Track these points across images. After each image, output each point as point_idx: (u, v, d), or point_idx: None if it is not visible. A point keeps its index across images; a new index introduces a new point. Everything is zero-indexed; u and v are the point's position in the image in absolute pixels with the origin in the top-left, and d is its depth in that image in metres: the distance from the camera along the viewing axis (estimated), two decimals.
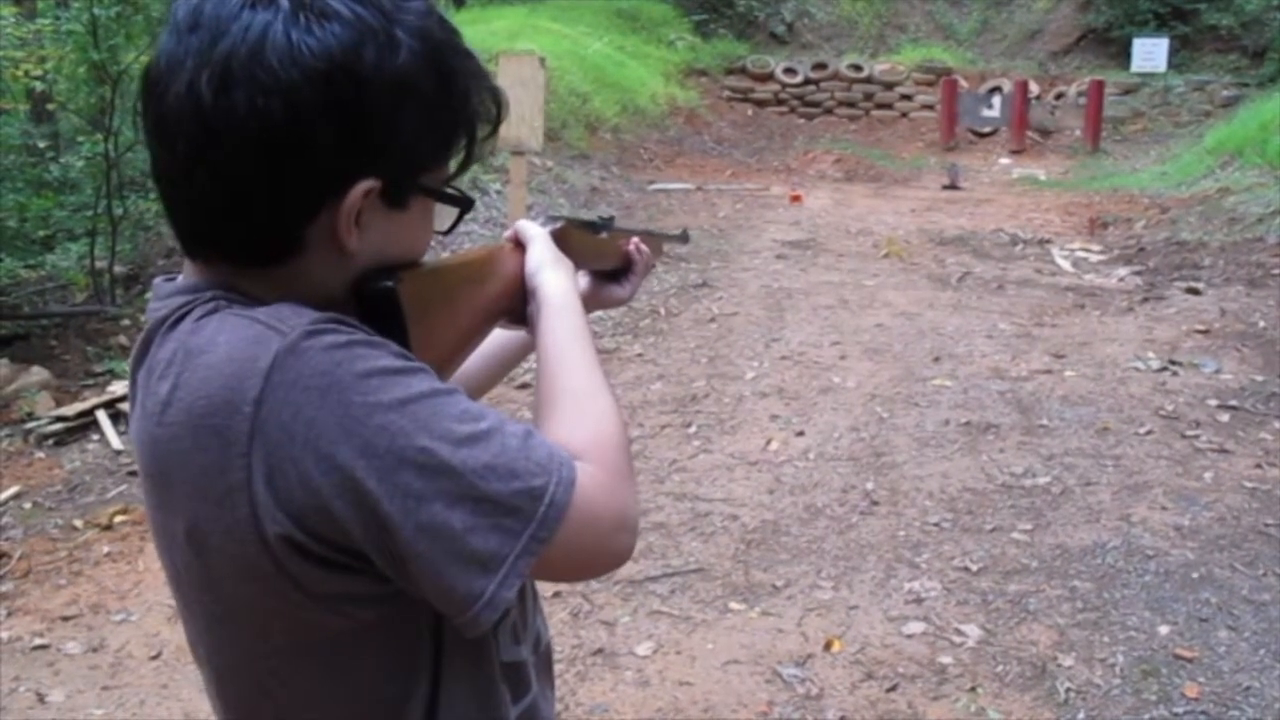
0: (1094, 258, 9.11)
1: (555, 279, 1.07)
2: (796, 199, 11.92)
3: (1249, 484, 4.36)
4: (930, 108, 16.91)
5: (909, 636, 3.37)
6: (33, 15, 7.67)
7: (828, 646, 3.32)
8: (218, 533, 0.84)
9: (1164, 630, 3.35)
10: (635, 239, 1.40)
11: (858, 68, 17.61)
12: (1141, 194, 11.71)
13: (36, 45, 7.13)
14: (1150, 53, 16.47)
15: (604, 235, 1.34)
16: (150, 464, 0.88)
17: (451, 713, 0.95)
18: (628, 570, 3.65)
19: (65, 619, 3.60)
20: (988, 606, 3.53)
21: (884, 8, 20.17)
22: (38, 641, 3.46)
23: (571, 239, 1.20)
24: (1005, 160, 15.36)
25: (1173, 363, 5.86)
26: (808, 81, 17.59)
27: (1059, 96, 16.75)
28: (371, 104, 0.85)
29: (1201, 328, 6.49)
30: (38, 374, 5.66)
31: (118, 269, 7.22)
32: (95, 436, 5.11)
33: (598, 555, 0.89)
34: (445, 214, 0.99)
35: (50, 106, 8.14)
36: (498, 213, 8.81)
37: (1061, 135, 16.15)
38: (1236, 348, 6.12)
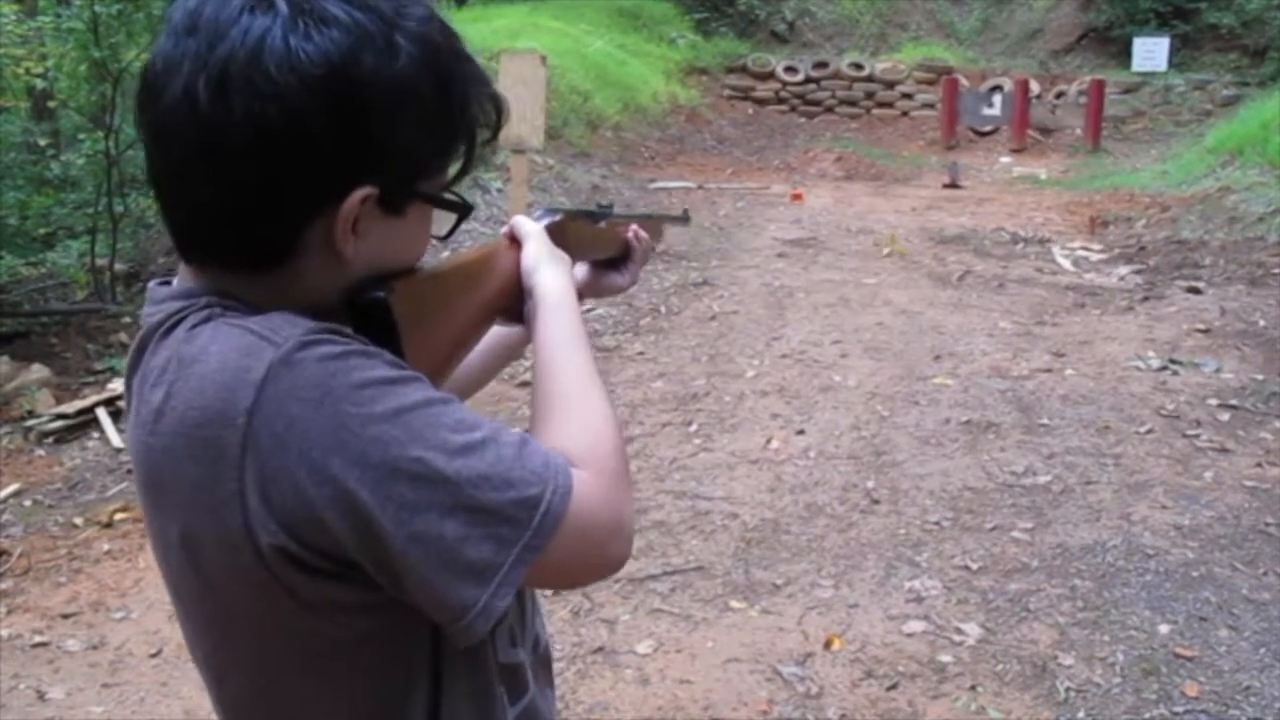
0: (1095, 256, 9.11)
1: (551, 277, 1.07)
2: (797, 197, 11.92)
3: (1249, 483, 4.36)
4: (931, 106, 16.90)
5: (909, 635, 3.37)
6: (34, 13, 7.66)
7: (828, 645, 3.32)
8: (211, 541, 0.84)
9: (1164, 629, 3.35)
10: (634, 226, 1.40)
11: (859, 66, 17.60)
12: (1142, 193, 11.71)
13: (37, 43, 7.13)
14: (1151, 52, 16.47)
15: (602, 224, 1.34)
16: (145, 472, 0.88)
17: (450, 716, 0.95)
18: (628, 569, 3.64)
19: (65, 616, 3.60)
20: (988, 605, 3.53)
21: (885, 6, 20.15)
22: (38, 639, 3.46)
23: (570, 230, 1.20)
24: (1006, 159, 15.35)
25: (1173, 362, 5.86)
26: (809, 80, 17.58)
27: (1060, 95, 16.73)
28: (370, 110, 0.84)
29: (1202, 327, 6.49)
30: (38, 371, 5.66)
31: (118, 266, 7.22)
32: (95, 434, 5.12)
33: (593, 563, 0.89)
34: (443, 218, 0.98)
35: (51, 104, 8.13)
36: (499, 210, 8.81)
37: (1062, 134, 16.13)
38: (1237, 347, 6.12)
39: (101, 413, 5.22)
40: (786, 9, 19.80)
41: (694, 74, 17.41)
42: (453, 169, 0.96)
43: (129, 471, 4.66)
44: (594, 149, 12.71)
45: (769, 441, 4.91)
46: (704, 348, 6.34)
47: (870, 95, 17.49)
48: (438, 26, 0.90)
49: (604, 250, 1.36)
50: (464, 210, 0.97)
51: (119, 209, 7.13)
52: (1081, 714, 2.97)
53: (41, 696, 3.16)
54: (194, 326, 0.86)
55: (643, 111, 14.88)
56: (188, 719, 3.05)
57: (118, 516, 4.26)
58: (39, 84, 7.44)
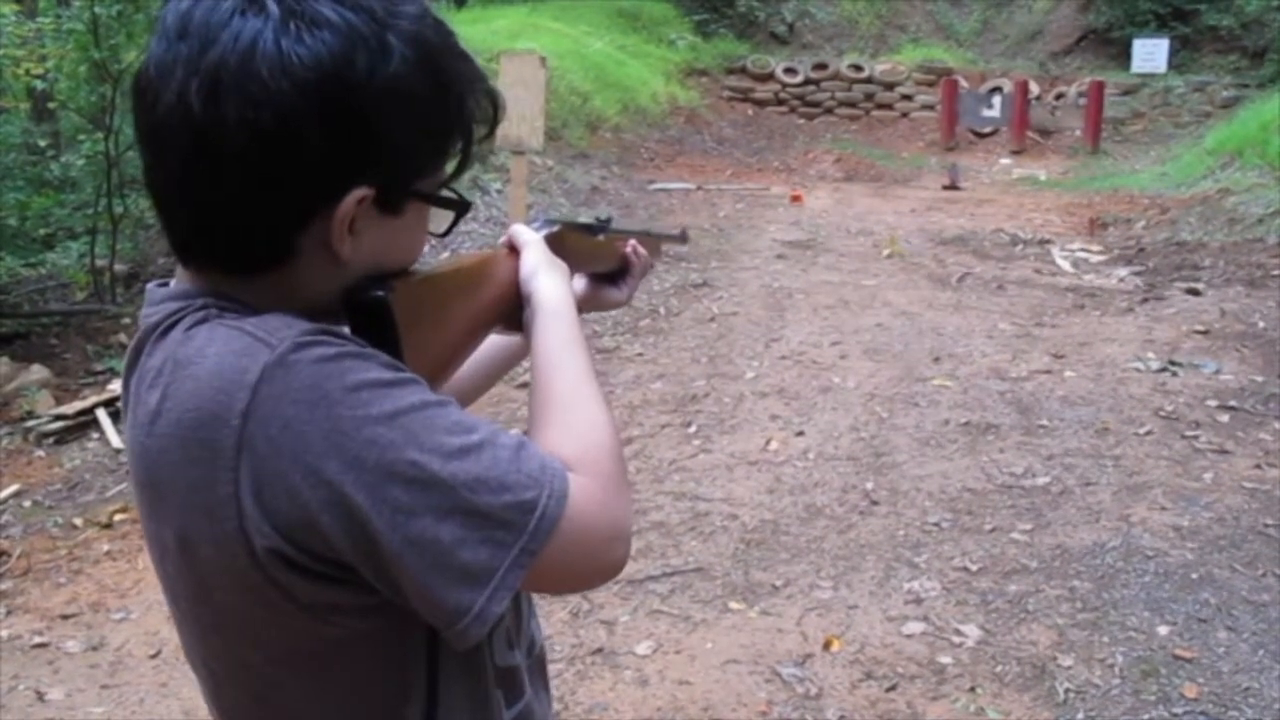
0: (1094, 258, 9.11)
1: (550, 285, 1.06)
2: (797, 199, 11.92)
3: (1248, 484, 4.36)
4: (931, 108, 16.90)
5: (908, 636, 3.37)
6: (33, 14, 7.66)
7: (827, 646, 3.32)
8: (207, 544, 0.83)
9: (1163, 630, 3.35)
10: (633, 241, 1.39)
11: (858, 68, 17.60)
12: (1142, 194, 11.71)
13: (37, 44, 7.13)
14: (1150, 53, 16.47)
15: (601, 237, 1.33)
16: (141, 474, 0.88)
17: (447, 718, 0.95)
18: (627, 569, 3.63)
19: (65, 617, 3.60)
20: (987, 606, 3.54)
21: (884, 8, 20.15)
22: (37, 640, 3.47)
23: (568, 242, 1.19)
24: (1005, 160, 15.36)
25: (1172, 363, 5.86)
26: (808, 81, 17.58)
27: (1059, 97, 16.73)
28: (364, 112, 0.84)
29: (1201, 328, 6.49)
30: (38, 372, 5.67)
31: (118, 267, 7.22)
32: (95, 435, 5.12)
33: (590, 567, 0.89)
34: (441, 216, 0.98)
35: (51, 105, 8.13)
36: (498, 212, 8.81)
37: (1062, 135, 16.13)
38: (1236, 348, 6.12)
39: (101, 414, 5.22)
40: (786, 10, 19.80)
41: (693, 75, 17.40)
42: (450, 166, 0.95)
43: (129, 472, 4.66)
44: (593, 150, 12.71)
45: (768, 443, 4.91)
46: (703, 349, 6.34)
47: (870, 97, 17.49)
48: (431, 24, 0.89)
49: (602, 264, 1.35)
50: (462, 208, 0.97)
51: (119, 210, 7.12)
52: (1081, 715, 2.97)
53: (41, 697, 3.17)
54: (190, 328, 0.86)
55: (642, 112, 14.88)
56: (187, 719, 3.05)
57: (117, 517, 4.26)
58: (39, 85, 7.44)
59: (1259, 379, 5.59)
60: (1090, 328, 6.71)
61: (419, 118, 0.88)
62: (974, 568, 3.77)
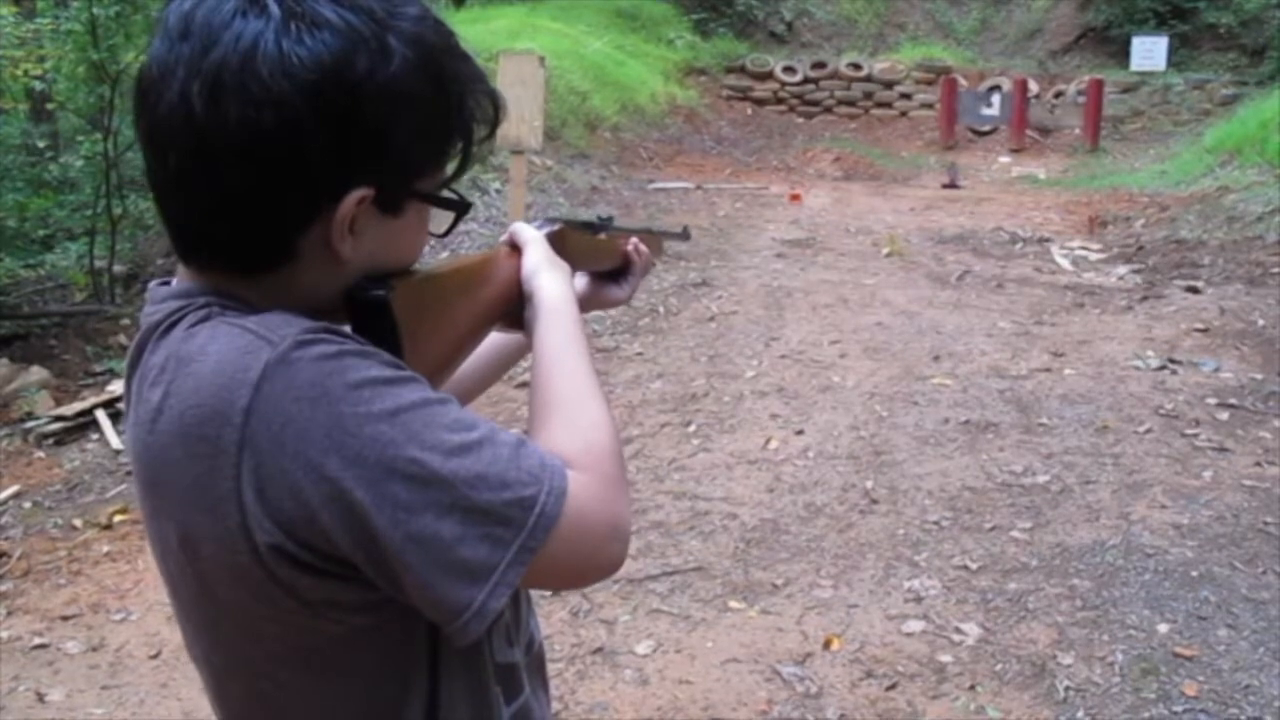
0: (1093, 256, 9.11)
1: (551, 283, 1.07)
2: (796, 198, 11.92)
3: (1248, 482, 4.36)
4: (930, 106, 16.90)
5: (908, 635, 3.37)
6: (32, 15, 7.67)
7: (827, 645, 3.32)
8: (209, 540, 0.84)
9: (1163, 628, 3.35)
10: (634, 239, 1.39)
11: (857, 66, 17.61)
12: (1141, 192, 11.72)
13: (36, 45, 7.14)
14: (1150, 51, 16.48)
15: (602, 236, 1.33)
16: (143, 471, 0.88)
17: (448, 715, 0.95)
18: (627, 569, 3.65)
19: (65, 618, 3.60)
20: (987, 605, 3.54)
21: (883, 6, 20.16)
22: (37, 641, 3.47)
23: (569, 240, 1.20)
24: (1005, 159, 15.36)
25: (1172, 361, 5.86)
26: (807, 80, 17.59)
27: (1058, 95, 16.74)
28: (364, 113, 0.84)
29: (1201, 326, 6.49)
30: (37, 373, 5.66)
31: (117, 268, 7.22)
32: (95, 436, 5.12)
33: (589, 564, 0.89)
34: (442, 216, 0.98)
35: (50, 106, 8.14)
36: (497, 211, 8.81)
37: (1061, 134, 16.14)
38: (1236, 346, 6.12)
39: (101, 414, 5.22)
40: (785, 9, 19.80)
41: (692, 74, 17.41)
42: (450, 167, 0.96)
43: (128, 473, 4.66)
44: (592, 149, 12.71)
45: (768, 442, 4.91)
46: (703, 348, 6.34)
47: (869, 95, 17.50)
48: (431, 25, 0.89)
49: (603, 262, 1.35)
50: (462, 208, 0.98)
51: (117, 211, 7.13)
52: (1080, 713, 2.97)
53: (41, 698, 3.16)
54: (192, 326, 0.86)
55: (641, 112, 14.88)
56: None
57: (117, 518, 4.26)
58: (38, 86, 7.45)
59: (1258, 377, 5.59)
60: (1090, 326, 6.71)
61: (419, 118, 0.88)
62: (974, 566, 3.78)
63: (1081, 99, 15.84)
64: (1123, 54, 17.13)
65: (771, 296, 7.52)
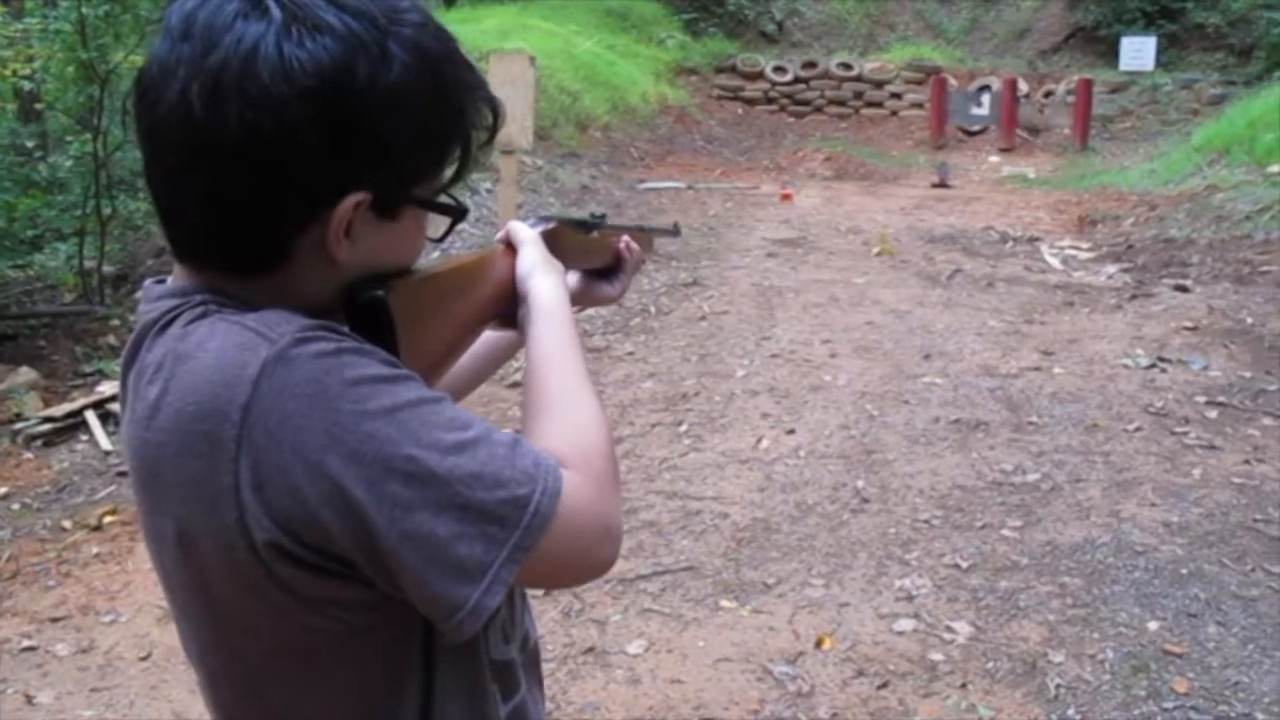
0: (1083, 255, 9.14)
1: (546, 284, 1.07)
2: (787, 197, 11.93)
3: (1237, 480, 4.37)
4: (920, 106, 16.95)
5: (900, 634, 3.38)
6: (20, 14, 7.63)
7: (819, 644, 3.32)
8: (206, 537, 0.84)
9: (1153, 626, 3.37)
10: (625, 237, 1.41)
11: (847, 66, 17.64)
12: (1130, 192, 11.75)
13: (24, 44, 7.09)
14: (1138, 51, 16.53)
15: (595, 234, 1.34)
16: (140, 467, 0.88)
17: (444, 713, 0.95)
18: (618, 569, 3.65)
19: (54, 620, 3.59)
20: (978, 603, 3.54)
21: (873, 6, 20.20)
22: (26, 643, 3.45)
23: (563, 238, 1.21)
24: (994, 158, 15.40)
25: (1161, 360, 5.88)
26: (797, 80, 17.62)
27: (1048, 95, 16.79)
28: (363, 118, 0.84)
29: (1190, 325, 6.51)
30: (26, 374, 5.64)
31: (106, 269, 7.19)
32: (84, 437, 5.10)
33: (581, 563, 0.90)
34: (438, 220, 0.98)
35: (38, 106, 8.09)
36: (488, 211, 8.80)
37: (1050, 133, 16.19)
38: (1224, 344, 6.14)
39: (90, 416, 5.20)
40: (775, 9, 19.83)
41: (683, 74, 17.43)
42: (448, 173, 0.96)
43: (118, 474, 4.65)
44: (583, 149, 12.71)
45: (759, 441, 4.92)
46: (694, 348, 6.35)
47: (859, 95, 17.54)
48: (432, 32, 0.90)
49: (595, 260, 1.37)
50: (458, 214, 0.98)
51: (107, 211, 7.10)
52: (1071, 711, 2.98)
53: (30, 700, 3.15)
54: (190, 323, 0.86)
55: (632, 112, 14.88)
56: None
57: (106, 519, 4.25)
58: (26, 86, 7.41)
59: (1247, 375, 5.61)
60: (1079, 325, 6.73)
61: (418, 124, 0.89)
62: (965, 565, 3.78)
63: (1071, 99, 15.90)
64: (1112, 54, 17.19)
65: (762, 296, 7.53)
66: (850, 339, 6.44)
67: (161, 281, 0.94)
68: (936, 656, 3.25)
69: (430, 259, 1.02)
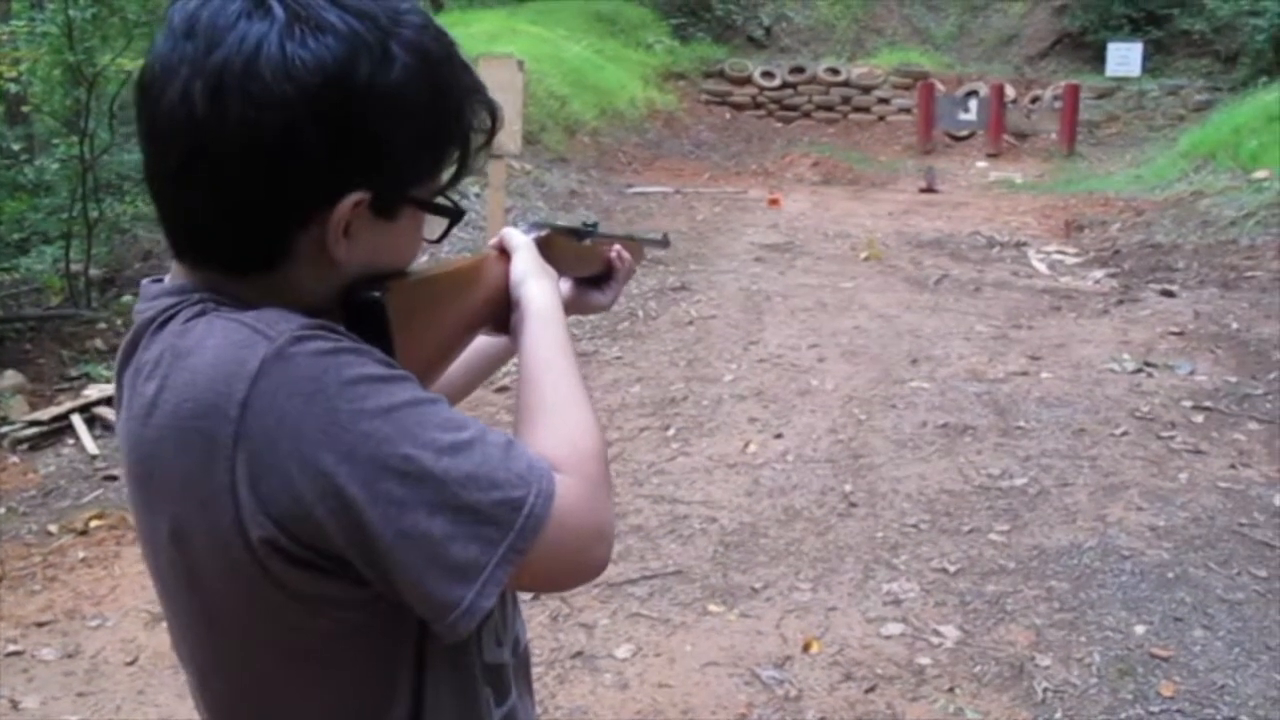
0: (1070, 260, 9.17)
1: (539, 290, 1.08)
2: (774, 202, 11.95)
3: (1223, 484, 4.39)
4: (907, 111, 17.00)
5: (887, 638, 3.38)
6: (7, 17, 7.61)
7: (806, 648, 3.33)
8: (201, 533, 0.84)
9: (1140, 630, 3.38)
10: (617, 245, 1.42)
11: (835, 71, 17.68)
12: (1116, 197, 11.80)
13: (11, 47, 7.07)
14: (1125, 57, 16.61)
15: (587, 242, 1.36)
16: (136, 464, 0.89)
17: (436, 715, 0.96)
18: (606, 573, 3.63)
19: (40, 625, 3.57)
20: (965, 607, 3.55)
21: (861, 12, 20.24)
22: (12, 648, 3.43)
23: (556, 246, 1.22)
24: (982, 163, 15.45)
25: (1148, 364, 5.90)
26: (785, 85, 17.65)
27: (1035, 100, 16.86)
28: (364, 118, 0.85)
29: (1176, 329, 6.54)
30: (12, 378, 5.61)
31: (93, 272, 7.17)
32: (70, 441, 5.08)
33: (574, 566, 0.90)
34: (436, 222, 0.99)
35: (25, 109, 8.08)
36: (476, 215, 8.79)
37: (1037, 138, 16.26)
38: (1210, 349, 6.17)
39: (76, 419, 5.18)
40: (763, 14, 19.87)
41: (671, 79, 17.44)
42: (446, 174, 0.97)
43: (104, 479, 4.63)
44: (571, 154, 12.72)
45: (747, 445, 4.92)
46: (681, 352, 6.35)
47: (847, 100, 17.57)
48: (433, 34, 0.90)
49: (587, 268, 1.38)
50: (456, 215, 0.98)
51: (93, 214, 7.08)
52: (1058, 714, 2.99)
53: (15, 706, 3.14)
54: (188, 320, 0.87)
55: (620, 116, 14.89)
56: None
57: (93, 524, 4.23)
58: (12, 88, 7.39)
59: (1233, 379, 5.64)
60: (1066, 329, 6.75)
61: (418, 125, 0.89)
62: (952, 569, 3.79)
63: (1058, 104, 15.97)
64: (1098, 60, 17.26)
65: (750, 300, 7.53)
66: (838, 343, 6.46)
67: (159, 280, 0.95)
68: (924, 660, 3.26)
69: (421, 262, 1.02)
